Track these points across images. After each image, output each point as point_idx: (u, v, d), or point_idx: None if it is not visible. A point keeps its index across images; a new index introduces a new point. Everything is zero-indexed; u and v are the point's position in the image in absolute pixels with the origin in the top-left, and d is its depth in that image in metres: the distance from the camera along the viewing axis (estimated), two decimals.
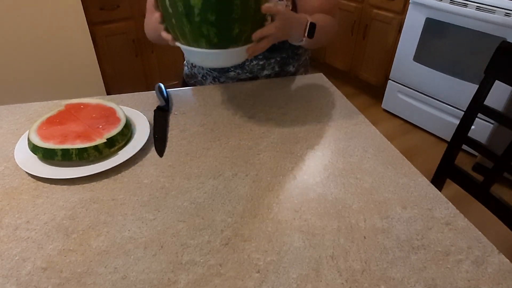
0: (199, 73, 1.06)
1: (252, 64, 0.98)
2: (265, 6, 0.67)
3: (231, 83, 1.00)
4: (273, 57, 0.98)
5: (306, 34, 0.79)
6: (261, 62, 0.98)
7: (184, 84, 1.13)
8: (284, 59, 1.01)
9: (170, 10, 0.64)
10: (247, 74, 1.00)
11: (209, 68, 1.02)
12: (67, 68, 2.07)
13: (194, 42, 0.65)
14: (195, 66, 1.07)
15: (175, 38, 0.69)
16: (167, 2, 0.63)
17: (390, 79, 2.34)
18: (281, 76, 1.04)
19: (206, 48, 0.66)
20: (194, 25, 0.62)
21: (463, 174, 0.93)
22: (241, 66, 0.98)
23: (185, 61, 1.13)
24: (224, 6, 0.61)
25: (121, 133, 0.70)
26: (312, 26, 0.79)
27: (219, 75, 1.01)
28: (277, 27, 0.70)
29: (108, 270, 0.49)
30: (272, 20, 0.71)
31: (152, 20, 0.76)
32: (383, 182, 0.66)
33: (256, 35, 0.68)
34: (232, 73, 0.99)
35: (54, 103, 0.87)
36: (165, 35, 0.70)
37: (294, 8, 0.93)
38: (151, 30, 0.93)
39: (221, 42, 0.65)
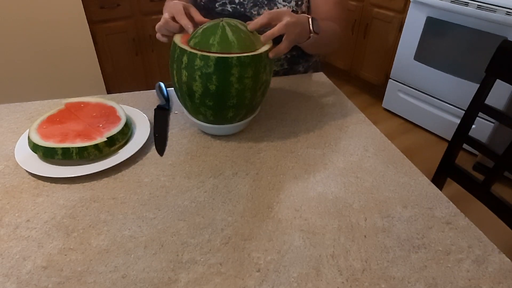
0: None
1: None
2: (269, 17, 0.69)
3: None
4: None
5: (312, 28, 0.79)
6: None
7: None
8: (294, 57, 1.01)
9: (177, 85, 0.71)
10: None
11: None
12: (68, 67, 2.07)
13: (194, 115, 0.74)
14: None
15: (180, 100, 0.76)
16: (175, 78, 0.70)
17: (390, 78, 2.34)
18: (290, 75, 1.04)
19: (203, 122, 0.74)
20: (194, 104, 0.70)
21: (463, 173, 0.92)
22: None
23: None
24: (221, 96, 0.67)
25: (121, 132, 0.70)
26: (314, 19, 0.79)
27: None
28: (286, 24, 0.70)
29: (108, 269, 0.49)
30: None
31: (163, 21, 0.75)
32: (383, 181, 0.66)
33: (267, 36, 0.69)
34: None
35: (54, 102, 0.87)
36: (159, 37, 0.75)
37: (308, 11, 0.95)
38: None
39: (216, 120, 0.73)
